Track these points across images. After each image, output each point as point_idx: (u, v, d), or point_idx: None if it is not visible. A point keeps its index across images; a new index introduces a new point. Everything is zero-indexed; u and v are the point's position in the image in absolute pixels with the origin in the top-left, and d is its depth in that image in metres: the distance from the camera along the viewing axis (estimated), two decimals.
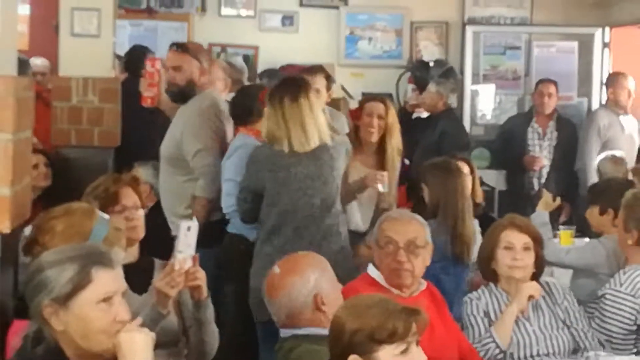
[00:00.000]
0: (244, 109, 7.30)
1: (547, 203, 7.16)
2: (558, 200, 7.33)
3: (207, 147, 6.73)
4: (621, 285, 5.67)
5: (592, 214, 6.59)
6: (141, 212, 5.21)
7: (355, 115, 7.24)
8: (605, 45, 12.04)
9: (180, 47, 6.75)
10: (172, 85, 6.63)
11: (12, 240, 4.21)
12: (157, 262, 5.01)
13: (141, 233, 5.14)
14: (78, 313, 3.43)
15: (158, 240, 5.98)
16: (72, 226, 4.46)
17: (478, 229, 6.97)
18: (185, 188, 6.90)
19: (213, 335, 4.93)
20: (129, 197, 5.17)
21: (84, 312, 3.43)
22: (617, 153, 8.82)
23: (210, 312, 4.89)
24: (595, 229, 6.59)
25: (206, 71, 6.64)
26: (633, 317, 5.56)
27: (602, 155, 9.53)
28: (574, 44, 12.21)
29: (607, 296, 5.73)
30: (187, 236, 4.58)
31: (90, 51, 9.09)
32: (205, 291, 4.76)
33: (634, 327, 5.57)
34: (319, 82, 7.45)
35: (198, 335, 4.88)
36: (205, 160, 6.71)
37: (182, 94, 6.57)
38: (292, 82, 6.80)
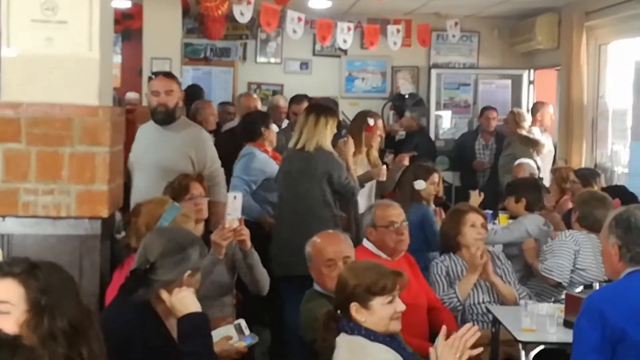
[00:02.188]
0: (252, 129, 7.04)
1: (475, 199, 7.16)
2: (482, 195, 7.35)
3: (219, 164, 5.96)
4: (566, 237, 5.64)
5: (510, 202, 6.64)
6: (205, 200, 5.06)
7: (369, 129, 6.80)
8: (530, 82, 12.03)
9: (168, 75, 5.95)
10: (161, 106, 5.65)
11: (109, 222, 4.19)
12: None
13: (205, 214, 5.03)
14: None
15: None
16: (149, 211, 4.33)
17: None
18: None
19: (263, 276, 4.85)
20: (196, 188, 4.99)
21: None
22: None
23: (256, 258, 4.81)
24: (511, 212, 6.70)
25: (182, 98, 5.87)
26: (573, 254, 5.52)
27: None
28: (508, 82, 12.10)
29: (557, 240, 5.75)
30: (233, 203, 4.59)
31: None
32: (249, 244, 4.69)
33: (572, 265, 5.53)
34: None
35: (252, 277, 4.82)
36: (222, 174, 5.95)
37: (170, 115, 5.68)
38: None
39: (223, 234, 4.50)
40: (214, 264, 4.52)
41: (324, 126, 5.96)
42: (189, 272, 3.38)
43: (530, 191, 6.54)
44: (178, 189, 4.93)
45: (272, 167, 6.66)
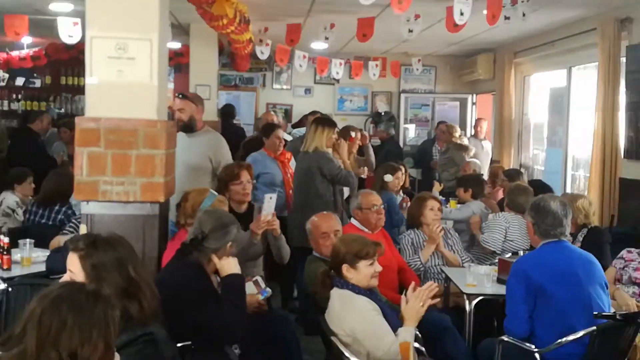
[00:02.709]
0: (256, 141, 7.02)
1: (437, 187, 7.18)
2: (442, 185, 7.35)
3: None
4: (499, 217, 5.66)
5: (460, 192, 6.69)
6: (250, 185, 5.06)
7: (351, 140, 6.68)
8: (473, 103, 12.07)
9: (183, 96, 5.74)
10: (179, 122, 5.55)
11: (164, 206, 4.12)
12: (255, 205, 4.95)
13: (249, 198, 5.05)
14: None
15: None
16: (193, 198, 4.34)
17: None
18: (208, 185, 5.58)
19: (285, 251, 4.82)
20: (244, 176, 4.97)
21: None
22: (472, 160, 8.62)
23: (283, 240, 4.82)
24: (460, 199, 6.68)
25: (201, 110, 5.63)
26: (505, 230, 5.52)
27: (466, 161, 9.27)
28: (457, 103, 12.13)
29: (492, 219, 5.73)
30: (269, 202, 4.55)
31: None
32: (278, 231, 4.70)
33: (503, 238, 5.52)
34: None
35: (278, 252, 4.81)
36: None
37: (187, 126, 5.49)
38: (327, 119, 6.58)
39: (259, 225, 4.51)
40: (251, 245, 4.53)
41: (320, 133, 5.88)
42: (230, 242, 3.44)
43: (475, 184, 6.61)
44: (231, 175, 4.94)
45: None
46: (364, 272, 3.70)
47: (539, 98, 9.78)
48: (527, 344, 3.68)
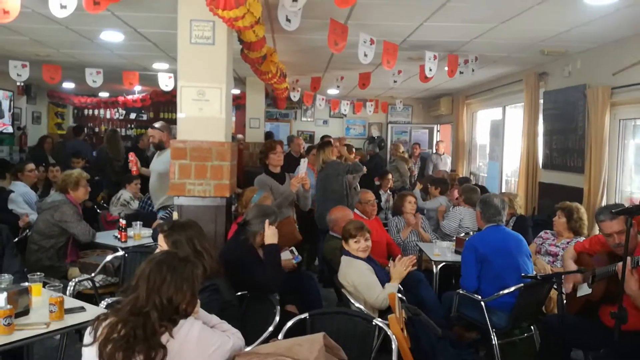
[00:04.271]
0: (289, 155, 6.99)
1: (418, 187, 6.79)
2: (421, 186, 6.98)
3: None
4: (454, 210, 5.54)
5: (432, 189, 6.42)
6: (282, 155, 4.84)
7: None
8: (437, 131, 11.82)
9: (153, 126, 5.45)
10: (152, 144, 5.43)
11: (229, 200, 4.01)
12: (287, 175, 4.80)
13: (282, 163, 4.82)
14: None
15: None
16: (246, 194, 4.34)
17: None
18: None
19: (308, 201, 4.78)
20: (279, 148, 4.82)
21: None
22: (442, 169, 8.55)
23: (309, 193, 4.75)
24: (431, 194, 6.42)
25: (166, 136, 5.30)
26: (459, 220, 5.41)
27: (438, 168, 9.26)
28: (427, 130, 11.98)
29: (449, 212, 5.64)
30: (303, 164, 4.54)
31: (257, 133, 8.83)
32: (308, 185, 4.65)
33: (457, 225, 5.40)
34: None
35: (304, 201, 4.74)
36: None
37: (157, 146, 5.32)
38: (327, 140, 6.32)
39: (296, 180, 4.52)
40: (290, 195, 4.53)
41: (324, 151, 5.79)
42: (267, 226, 3.32)
43: (442, 184, 6.46)
44: (270, 147, 4.80)
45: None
46: (352, 247, 3.70)
47: (483, 127, 9.66)
48: (476, 295, 3.68)
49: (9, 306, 2.47)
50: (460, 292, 3.79)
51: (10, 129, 9.26)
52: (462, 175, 8.83)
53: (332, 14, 4.22)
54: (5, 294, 2.53)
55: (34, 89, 10.77)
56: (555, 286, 3.03)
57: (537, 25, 4.75)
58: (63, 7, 3.36)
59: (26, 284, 2.83)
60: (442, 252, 4.60)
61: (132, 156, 5.78)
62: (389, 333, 2.61)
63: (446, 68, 5.86)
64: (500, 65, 6.94)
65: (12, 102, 9.22)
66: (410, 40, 5.35)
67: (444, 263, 4.45)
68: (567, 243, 4.28)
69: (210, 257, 2.64)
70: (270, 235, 3.28)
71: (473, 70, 6.16)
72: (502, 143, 8.18)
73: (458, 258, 4.20)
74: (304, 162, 4.61)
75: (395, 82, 6.94)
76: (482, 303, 3.60)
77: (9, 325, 2.43)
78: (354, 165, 5.85)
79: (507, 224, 4.93)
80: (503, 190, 7.85)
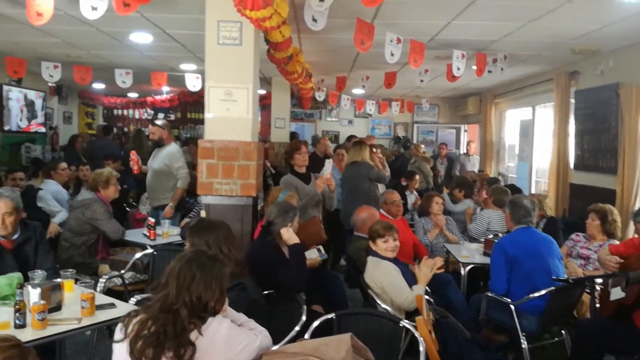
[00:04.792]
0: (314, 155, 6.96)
1: (445, 190, 6.72)
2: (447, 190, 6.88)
3: (184, 165, 5.50)
4: (482, 213, 5.39)
5: (456, 192, 6.23)
6: (307, 155, 4.81)
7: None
8: (465, 131, 11.69)
9: (154, 123, 5.58)
10: (152, 140, 5.57)
11: (255, 199, 4.03)
12: (312, 175, 4.77)
13: (307, 163, 4.79)
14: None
15: None
16: (273, 193, 4.35)
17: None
18: (170, 185, 5.49)
19: (333, 201, 4.80)
20: (303, 148, 4.81)
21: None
22: (470, 169, 8.41)
23: (334, 194, 4.74)
24: (456, 197, 6.26)
25: (166, 133, 5.47)
26: (486, 223, 5.26)
27: (465, 170, 9.10)
28: (453, 130, 11.82)
29: (477, 215, 5.51)
30: (328, 165, 4.53)
31: (282, 133, 8.85)
32: (333, 187, 4.64)
33: (485, 228, 5.25)
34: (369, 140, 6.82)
35: (330, 201, 4.75)
36: (185, 173, 5.41)
37: (157, 144, 5.48)
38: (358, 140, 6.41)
39: (321, 180, 4.51)
40: (316, 195, 4.52)
41: (362, 150, 5.80)
42: (290, 224, 3.35)
43: (467, 187, 6.34)
44: (295, 147, 4.80)
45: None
46: (381, 246, 3.67)
47: (512, 126, 9.55)
48: (505, 298, 3.62)
49: (42, 301, 2.50)
50: (489, 294, 3.71)
51: (42, 129, 9.51)
52: (490, 175, 8.66)
53: (359, 13, 4.21)
54: (39, 290, 2.56)
55: (65, 90, 11.05)
56: (587, 290, 2.96)
57: (568, 24, 4.65)
58: (94, 8, 3.44)
59: (59, 280, 2.88)
60: (470, 253, 4.52)
61: (133, 155, 5.83)
62: (416, 335, 2.58)
63: (474, 67, 5.79)
64: (530, 64, 6.82)
65: (44, 103, 9.46)
66: (438, 38, 5.29)
67: (472, 265, 4.37)
68: (600, 246, 4.17)
69: (229, 260, 2.62)
70: (289, 236, 3.27)
71: (502, 69, 6.05)
72: (532, 143, 8.05)
73: (486, 260, 4.12)
74: (328, 163, 4.60)
75: (422, 81, 6.88)
76: (512, 306, 3.53)
77: (43, 320, 2.46)
78: (383, 176, 5.87)
79: (537, 225, 4.81)
80: (532, 192, 7.71)
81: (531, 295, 3.49)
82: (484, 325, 3.83)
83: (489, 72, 5.94)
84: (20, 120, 8.74)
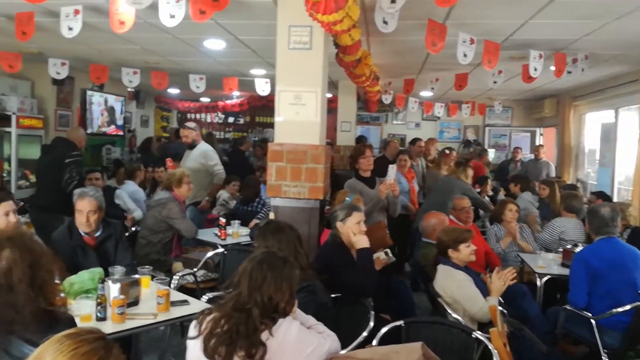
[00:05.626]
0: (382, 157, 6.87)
1: (502, 192, 6.57)
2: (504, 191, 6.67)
3: (219, 163, 5.84)
4: (554, 222, 5.00)
5: (512, 186, 6.22)
6: (372, 159, 4.79)
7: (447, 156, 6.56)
8: (541, 134, 11.20)
9: (186, 126, 5.86)
10: (186, 143, 5.85)
11: (323, 201, 3.98)
12: (377, 180, 4.75)
13: (371, 167, 4.77)
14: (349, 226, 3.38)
15: None
16: (339, 196, 4.32)
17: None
18: (206, 183, 5.78)
19: (397, 207, 4.73)
20: (368, 152, 4.79)
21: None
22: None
23: (398, 200, 4.69)
24: (512, 192, 6.13)
25: (198, 135, 5.81)
26: (558, 234, 4.88)
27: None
28: (528, 134, 11.38)
29: (548, 225, 5.13)
30: (390, 170, 4.47)
31: (348, 136, 8.83)
32: (397, 192, 4.58)
33: (556, 239, 4.89)
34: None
35: (393, 207, 4.68)
36: (221, 170, 5.77)
37: (191, 145, 5.77)
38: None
39: (385, 186, 4.45)
40: (380, 201, 4.47)
41: (465, 171, 5.78)
42: (348, 219, 3.33)
43: (523, 180, 6.25)
44: (359, 152, 4.78)
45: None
46: (465, 251, 3.56)
47: (592, 130, 9.03)
48: (586, 312, 3.44)
49: (122, 296, 2.62)
50: (568, 307, 3.55)
51: (121, 132, 10.08)
52: (568, 182, 8.24)
53: (430, 13, 4.14)
54: (119, 285, 2.70)
55: (143, 94, 11.66)
56: None
57: None
58: (172, 16, 3.58)
59: (136, 276, 3.01)
60: (547, 264, 4.33)
61: (169, 162, 6.15)
62: (490, 347, 2.50)
63: (552, 67, 5.54)
64: (613, 64, 6.43)
65: (123, 107, 10.05)
66: (513, 38, 5.10)
67: (549, 276, 4.17)
68: None
69: (304, 260, 2.65)
70: (362, 238, 3.26)
71: (583, 70, 5.75)
72: (614, 148, 7.59)
73: (565, 271, 3.94)
74: (392, 168, 4.54)
75: (495, 82, 6.67)
76: (593, 321, 3.35)
77: (122, 314, 2.58)
78: (485, 205, 5.81)
79: (621, 236, 4.53)
80: (615, 200, 7.25)
81: (614, 310, 3.32)
82: (560, 338, 3.66)
83: (569, 72, 5.65)
84: (101, 123, 9.35)
